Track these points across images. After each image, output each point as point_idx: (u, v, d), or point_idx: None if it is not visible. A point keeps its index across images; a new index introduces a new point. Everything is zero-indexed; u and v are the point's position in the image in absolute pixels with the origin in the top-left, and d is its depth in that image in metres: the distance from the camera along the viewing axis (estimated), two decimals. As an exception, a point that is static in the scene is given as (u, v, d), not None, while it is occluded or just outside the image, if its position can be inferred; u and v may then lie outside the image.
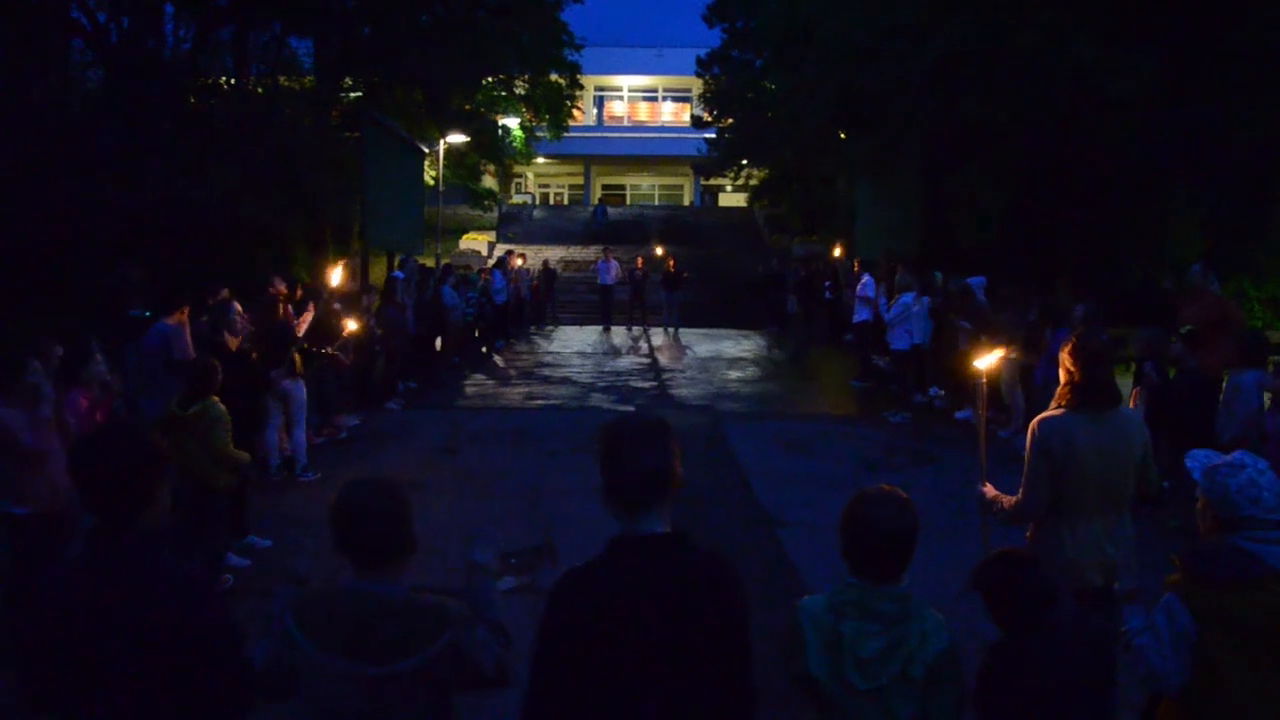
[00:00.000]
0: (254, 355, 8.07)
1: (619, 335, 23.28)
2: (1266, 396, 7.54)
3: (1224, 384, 7.97)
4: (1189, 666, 3.00)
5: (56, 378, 6.36)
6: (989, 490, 4.37)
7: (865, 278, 15.36)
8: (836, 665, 2.77)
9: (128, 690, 2.57)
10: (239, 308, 8.16)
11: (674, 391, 15.37)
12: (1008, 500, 4.27)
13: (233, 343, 7.92)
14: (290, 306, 10.61)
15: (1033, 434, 4.17)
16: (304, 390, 9.82)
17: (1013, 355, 11.34)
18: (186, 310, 8.73)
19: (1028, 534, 4.29)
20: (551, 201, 52.63)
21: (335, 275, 10.02)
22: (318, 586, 2.80)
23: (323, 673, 2.63)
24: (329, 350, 10.03)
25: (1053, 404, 4.26)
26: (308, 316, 10.40)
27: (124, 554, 2.63)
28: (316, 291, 11.34)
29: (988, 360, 4.71)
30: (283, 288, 10.89)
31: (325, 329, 10.46)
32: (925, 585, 2.97)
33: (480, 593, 2.91)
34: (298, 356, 9.50)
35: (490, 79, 29.88)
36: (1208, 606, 2.99)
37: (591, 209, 42.79)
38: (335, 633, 2.63)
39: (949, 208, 17.97)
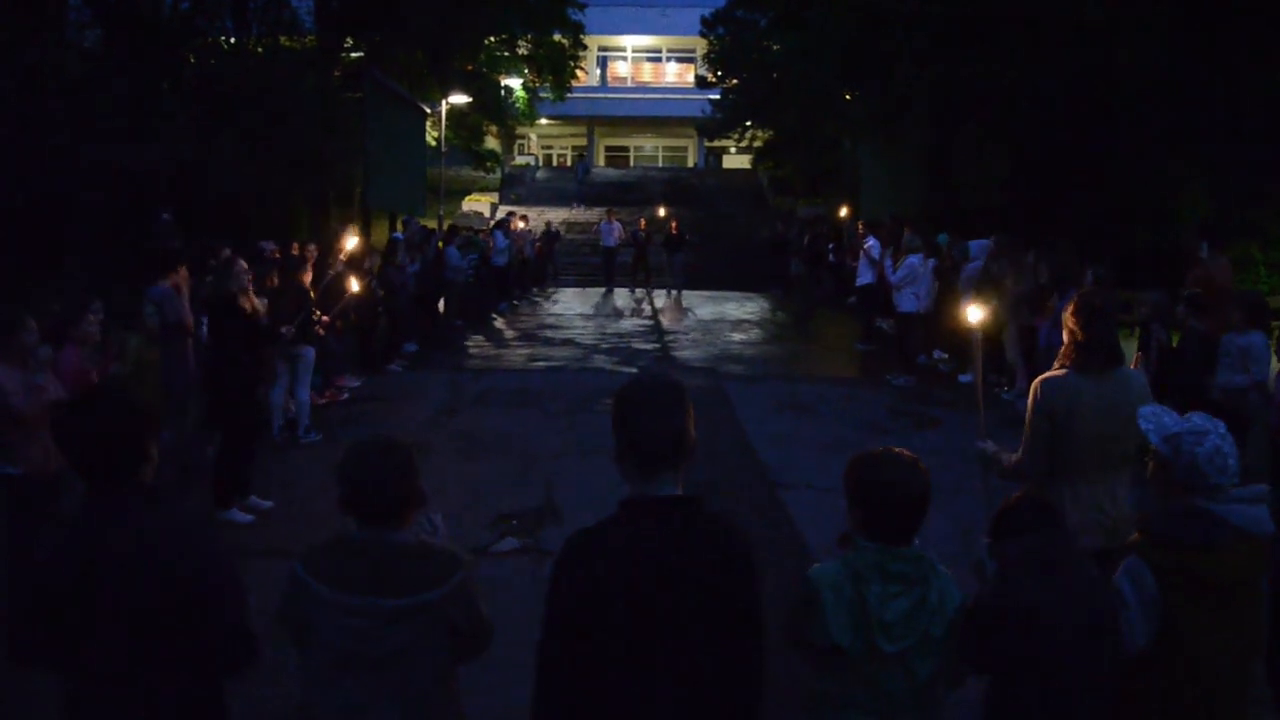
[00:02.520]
0: (252, 310, 8.00)
1: (622, 297, 23.23)
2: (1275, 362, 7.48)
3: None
4: (1154, 628, 3.01)
5: (50, 335, 6.33)
6: (989, 445, 4.35)
7: (870, 239, 15.27)
8: (863, 631, 2.77)
9: (126, 647, 2.57)
10: (245, 265, 8.10)
11: (677, 353, 15.35)
12: (1008, 457, 4.26)
13: (243, 301, 7.85)
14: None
15: (1034, 393, 4.15)
16: (312, 352, 9.84)
17: (1007, 313, 11.31)
18: (181, 272, 8.68)
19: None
20: (555, 163, 52.32)
21: (350, 241, 9.89)
22: (323, 541, 2.80)
23: (338, 613, 2.65)
24: (322, 319, 9.95)
25: (1056, 364, 4.23)
26: (307, 276, 10.37)
27: (123, 512, 2.62)
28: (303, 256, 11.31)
29: (977, 313, 4.66)
30: (275, 251, 10.86)
31: (333, 292, 10.46)
32: (929, 546, 2.95)
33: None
34: (320, 319, 9.49)
35: (493, 39, 29.61)
36: (1172, 568, 2.99)
37: (574, 167, 41.87)
38: (350, 574, 2.67)
39: (954, 170, 17.84)
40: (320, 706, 2.71)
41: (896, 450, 2.93)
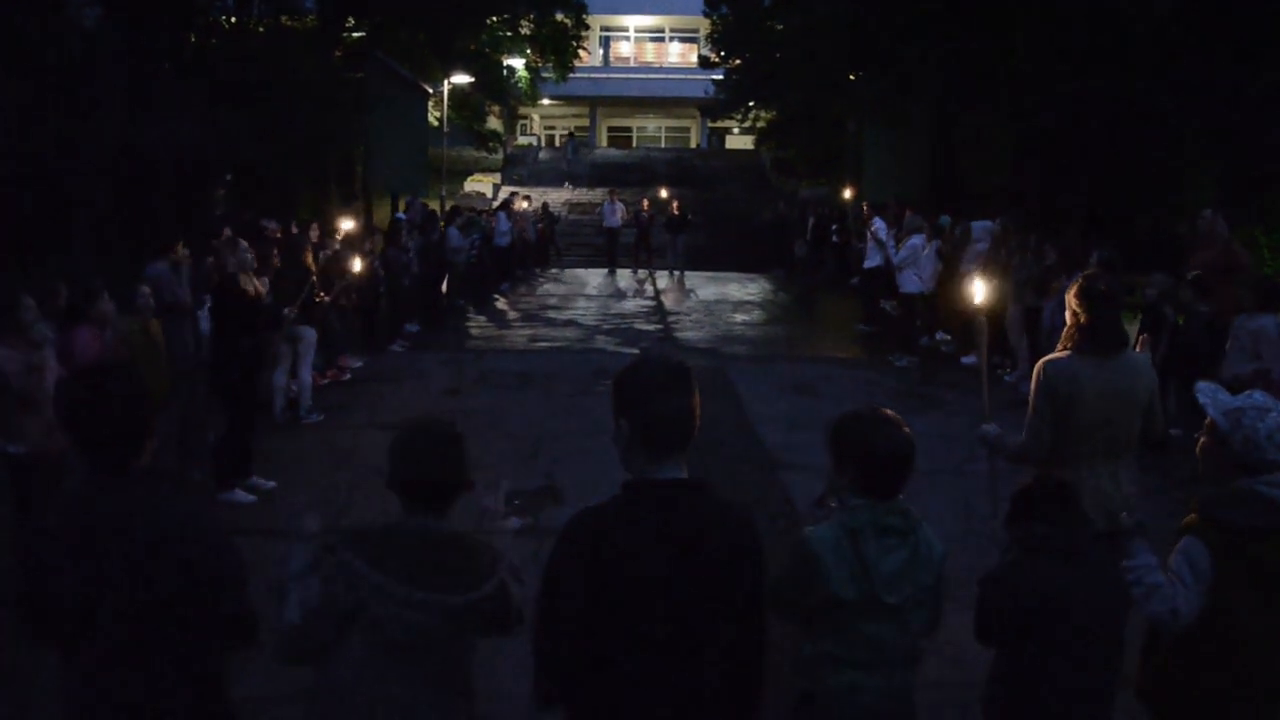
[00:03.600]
0: (254, 292, 7.96)
1: (624, 278, 23.19)
2: None
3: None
4: (1200, 606, 3.01)
5: (62, 317, 6.34)
6: (992, 429, 4.34)
7: (877, 221, 15.19)
8: (864, 586, 2.80)
9: (128, 626, 2.57)
10: (247, 246, 8.06)
11: (679, 334, 15.33)
12: (1012, 440, 4.25)
13: (245, 281, 7.82)
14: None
15: (1038, 375, 4.13)
16: (314, 332, 9.82)
17: (1004, 295, 11.25)
18: (179, 250, 8.65)
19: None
20: (557, 144, 52.10)
21: (349, 221, 9.91)
22: (362, 526, 2.77)
23: (398, 605, 2.59)
24: (320, 296, 9.92)
25: (1059, 346, 4.21)
26: (309, 255, 10.37)
27: (125, 490, 2.61)
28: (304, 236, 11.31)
29: (979, 293, 4.64)
30: (277, 231, 10.84)
31: (333, 272, 10.46)
32: (931, 525, 2.96)
33: (493, 537, 2.95)
34: (321, 297, 9.48)
35: (495, 19, 29.48)
36: (1227, 550, 2.98)
37: (562, 146, 40.79)
38: (408, 565, 2.61)
39: (959, 151, 17.77)
40: (350, 690, 2.66)
41: (881, 409, 2.98)
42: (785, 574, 2.91)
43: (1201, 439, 3.17)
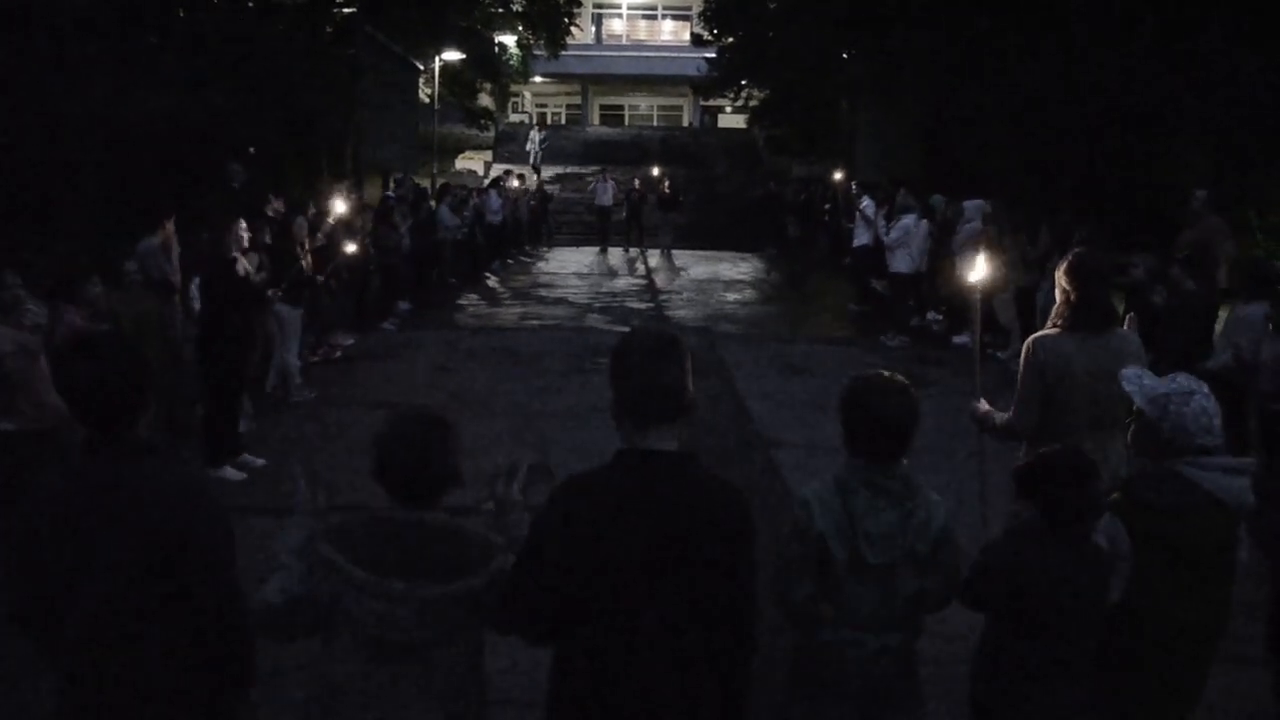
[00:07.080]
0: (245, 272, 7.91)
1: (616, 256, 23.15)
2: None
3: (1225, 315, 7.83)
4: (1123, 587, 3.08)
5: (50, 296, 6.31)
6: (982, 405, 4.37)
7: (865, 200, 15.18)
8: (848, 542, 2.84)
9: (118, 598, 2.55)
10: (244, 224, 8.01)
11: (671, 313, 15.34)
12: (1000, 416, 4.27)
13: (240, 262, 7.77)
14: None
15: (1027, 352, 4.16)
16: (298, 313, 9.76)
17: (999, 275, 11.22)
18: (168, 228, 8.59)
19: (1021, 453, 4.28)
20: (549, 122, 51.79)
21: (341, 200, 9.80)
22: (347, 517, 2.65)
23: (374, 597, 2.49)
24: (315, 278, 9.86)
25: (1049, 323, 4.24)
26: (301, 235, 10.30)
27: (121, 461, 2.60)
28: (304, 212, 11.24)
29: (979, 273, 4.66)
30: (279, 206, 10.77)
31: (326, 252, 10.40)
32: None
33: (514, 529, 2.78)
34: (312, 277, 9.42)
35: (486, -6, 29.31)
36: (1148, 530, 3.05)
37: (528, 133, 36.36)
38: (386, 556, 2.52)
39: (952, 130, 17.73)
40: (346, 694, 2.57)
41: (888, 374, 3.02)
42: (787, 530, 2.96)
43: (1131, 424, 3.24)
